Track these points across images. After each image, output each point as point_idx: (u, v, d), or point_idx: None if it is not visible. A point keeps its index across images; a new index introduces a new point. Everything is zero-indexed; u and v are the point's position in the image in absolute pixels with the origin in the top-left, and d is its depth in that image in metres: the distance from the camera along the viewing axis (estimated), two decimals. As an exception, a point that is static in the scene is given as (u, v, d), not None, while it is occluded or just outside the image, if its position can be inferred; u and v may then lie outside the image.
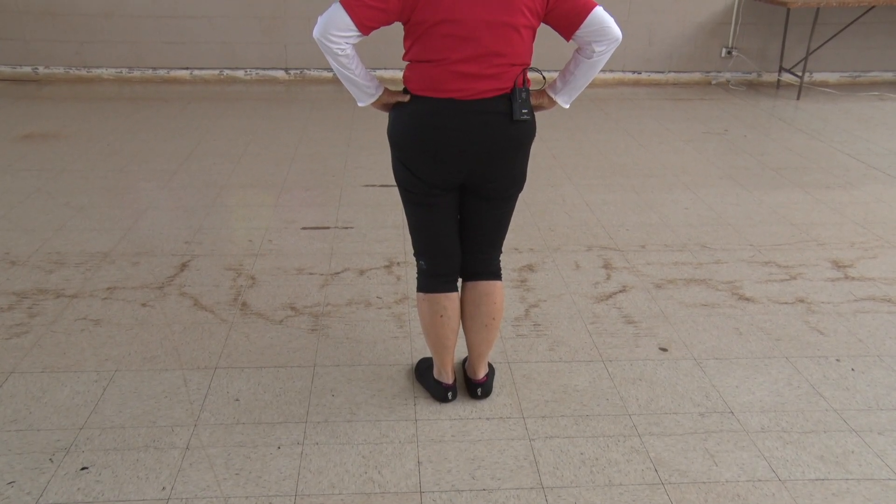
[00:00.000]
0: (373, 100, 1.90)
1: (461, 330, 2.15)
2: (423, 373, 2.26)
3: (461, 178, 1.89)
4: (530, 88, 1.87)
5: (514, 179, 1.94)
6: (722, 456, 1.97)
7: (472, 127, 1.80)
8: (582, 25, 1.73)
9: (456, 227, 2.02)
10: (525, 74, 1.83)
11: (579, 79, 1.86)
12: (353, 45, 1.75)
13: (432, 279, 2.04)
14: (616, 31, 1.75)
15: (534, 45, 1.82)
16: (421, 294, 2.06)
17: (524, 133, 1.87)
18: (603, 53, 1.78)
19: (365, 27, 1.71)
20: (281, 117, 5.48)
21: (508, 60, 1.76)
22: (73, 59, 6.41)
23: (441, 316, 2.04)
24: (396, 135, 1.88)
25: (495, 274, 2.08)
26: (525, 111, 1.81)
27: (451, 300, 2.05)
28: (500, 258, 2.11)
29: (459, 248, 2.05)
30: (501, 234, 2.06)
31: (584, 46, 1.79)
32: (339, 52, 1.74)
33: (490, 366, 2.27)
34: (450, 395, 2.16)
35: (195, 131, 5.04)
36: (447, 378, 2.16)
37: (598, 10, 1.74)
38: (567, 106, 1.95)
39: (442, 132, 1.81)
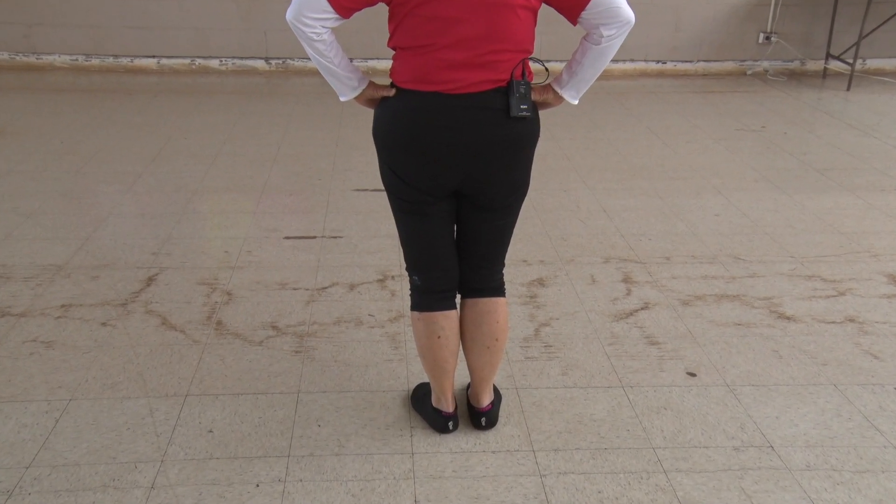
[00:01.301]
0: (355, 93, 1.90)
1: (462, 352, 2.16)
2: (420, 400, 2.27)
3: (455, 183, 1.90)
4: (532, 82, 1.86)
5: (514, 186, 1.95)
6: (761, 497, 1.98)
7: (464, 125, 1.80)
8: (588, 6, 1.71)
9: (452, 237, 2.04)
10: (526, 65, 1.83)
11: (587, 69, 1.86)
12: (332, 29, 1.76)
13: (427, 296, 2.06)
14: (628, 12, 1.74)
15: (536, 31, 1.83)
16: (415, 313, 2.08)
17: (525, 133, 1.87)
18: (613, 38, 1.76)
19: (343, 9, 1.71)
20: (261, 113, 5.52)
21: (504, 47, 1.76)
22: (20, 43, 6.44)
23: (439, 337, 2.05)
24: (381, 134, 1.90)
25: (497, 290, 2.10)
26: (525, 107, 1.81)
27: (449, 319, 2.06)
28: (505, 272, 2.13)
29: (457, 261, 2.06)
30: (503, 246, 2.07)
31: (591, 31, 1.79)
32: (315, 38, 1.74)
33: (496, 391, 2.29)
34: (450, 424, 2.17)
35: (163, 128, 5.07)
36: (447, 406, 2.17)
37: None
38: (575, 102, 1.93)
39: (429, 131, 1.81)
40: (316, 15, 1.70)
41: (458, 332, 2.10)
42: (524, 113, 1.80)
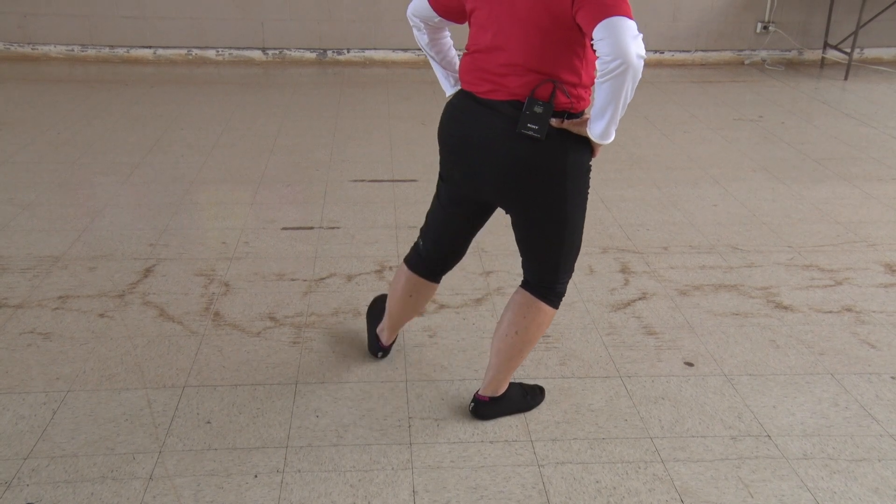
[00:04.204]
0: (449, 93, 2.08)
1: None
2: (375, 316, 2.47)
3: (472, 188, 1.95)
4: (573, 112, 1.78)
5: (538, 219, 1.90)
6: (758, 486, 1.99)
7: (479, 125, 1.85)
8: (593, 34, 1.59)
9: (461, 235, 2.15)
10: (561, 90, 1.75)
11: (596, 105, 1.69)
12: (440, 29, 2.01)
13: (419, 260, 2.21)
14: (623, 47, 1.54)
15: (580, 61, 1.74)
16: (404, 266, 2.24)
17: (535, 158, 1.80)
18: (603, 75, 1.59)
19: (440, 6, 1.91)
20: (258, 103, 5.50)
21: (515, 60, 1.76)
22: (14, 33, 6.41)
23: (410, 296, 2.25)
24: None
25: (536, 289, 2.04)
26: (534, 127, 1.75)
27: (428, 288, 2.24)
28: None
29: (458, 252, 2.20)
30: (538, 253, 2.00)
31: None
32: (416, 34, 2.05)
33: (507, 392, 2.21)
34: (379, 354, 2.44)
35: (159, 119, 5.06)
36: (385, 338, 2.42)
37: (613, 20, 1.56)
38: (599, 140, 1.76)
39: (452, 124, 1.94)
40: (416, 11, 1.97)
41: (426, 302, 2.30)
42: (531, 132, 1.76)
